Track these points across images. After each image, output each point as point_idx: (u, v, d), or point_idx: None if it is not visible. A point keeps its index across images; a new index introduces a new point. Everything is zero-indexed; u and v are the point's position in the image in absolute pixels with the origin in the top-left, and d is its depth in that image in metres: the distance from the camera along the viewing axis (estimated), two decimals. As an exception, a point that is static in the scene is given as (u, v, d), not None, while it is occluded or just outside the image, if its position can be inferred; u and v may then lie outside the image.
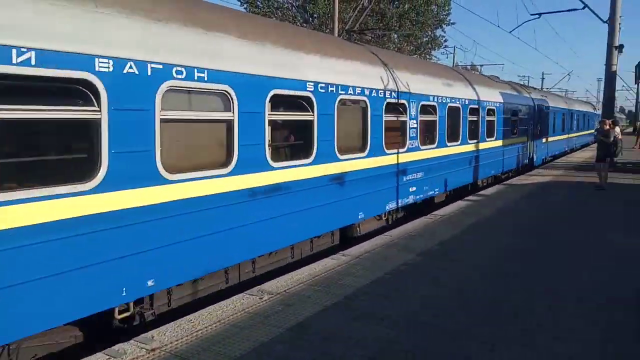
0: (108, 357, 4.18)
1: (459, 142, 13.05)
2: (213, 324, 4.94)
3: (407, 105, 10.21)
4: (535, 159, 21.03)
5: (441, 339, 4.63)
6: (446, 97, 12.11)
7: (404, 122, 10.20)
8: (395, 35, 32.96)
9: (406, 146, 10.25)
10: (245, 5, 30.09)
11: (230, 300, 5.60)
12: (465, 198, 13.03)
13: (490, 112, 15.38)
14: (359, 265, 6.95)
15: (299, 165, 7.21)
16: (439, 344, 4.51)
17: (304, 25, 28.47)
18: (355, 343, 4.54)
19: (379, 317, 5.15)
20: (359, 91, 8.58)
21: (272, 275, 7.15)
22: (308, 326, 4.92)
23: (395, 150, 9.82)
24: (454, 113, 12.64)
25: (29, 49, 3.97)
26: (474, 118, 14.20)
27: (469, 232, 9.06)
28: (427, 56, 35.04)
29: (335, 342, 4.55)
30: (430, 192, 11.65)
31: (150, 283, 5.07)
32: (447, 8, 35.09)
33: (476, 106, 14.26)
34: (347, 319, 5.11)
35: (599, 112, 43.25)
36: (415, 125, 10.54)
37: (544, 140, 22.60)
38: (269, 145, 6.56)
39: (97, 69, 4.48)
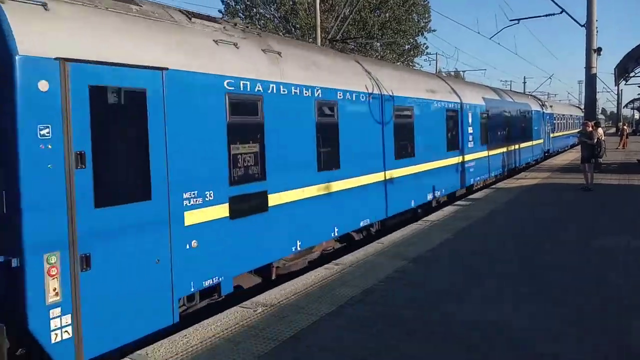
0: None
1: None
2: (208, 339, 4.86)
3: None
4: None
5: (438, 345, 4.62)
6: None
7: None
8: (378, 44, 33.23)
9: None
10: (226, 18, 30.15)
11: (224, 314, 5.53)
12: (455, 203, 13.09)
13: None
14: (352, 274, 6.92)
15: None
16: (438, 353, 4.49)
17: (287, 35, 28.57)
18: (350, 353, 4.49)
19: (373, 326, 5.12)
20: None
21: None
22: (303, 338, 4.86)
23: None
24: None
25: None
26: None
27: (460, 236, 9.08)
28: (410, 63, 35.35)
29: (331, 353, 4.50)
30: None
31: None
32: (427, 16, 35.51)
33: None
34: (342, 329, 5.07)
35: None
36: None
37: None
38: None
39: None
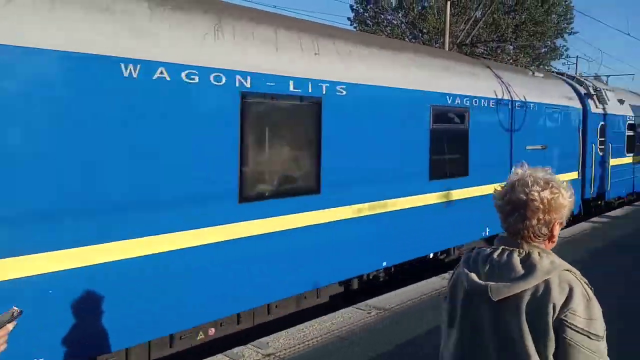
0: (228, 358, 4.47)
1: None
2: (323, 335, 5.07)
3: None
4: None
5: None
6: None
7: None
8: (511, 47, 31.58)
9: None
10: (355, 25, 30.73)
11: (339, 313, 5.71)
12: (590, 220, 12.03)
13: None
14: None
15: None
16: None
17: (413, 41, 28.34)
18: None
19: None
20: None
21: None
22: (418, 345, 4.86)
23: None
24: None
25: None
26: None
27: (594, 258, 8.35)
28: (546, 67, 33.08)
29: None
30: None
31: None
32: (568, 17, 32.95)
33: None
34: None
35: None
36: None
37: None
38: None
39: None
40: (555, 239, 1.86)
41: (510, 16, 31.56)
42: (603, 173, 13.29)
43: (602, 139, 13.35)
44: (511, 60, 30.01)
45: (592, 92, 13.19)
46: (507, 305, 1.72)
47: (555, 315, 1.66)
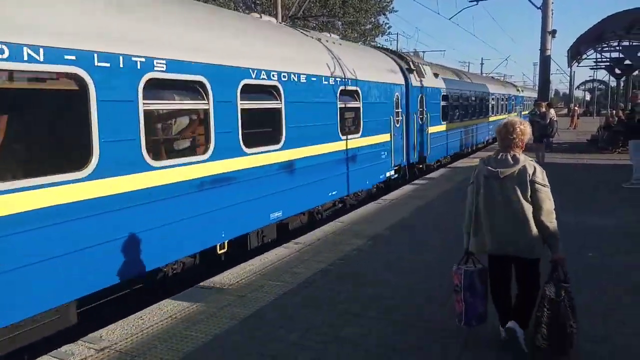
0: (55, 359, 4.00)
1: None
2: (164, 320, 4.82)
3: None
4: None
5: (392, 329, 4.74)
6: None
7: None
8: (340, 23, 33.02)
9: None
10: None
11: (181, 295, 5.49)
12: (413, 182, 13.33)
13: None
14: (311, 253, 6.97)
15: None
16: (390, 337, 4.61)
17: (246, 11, 27.95)
18: (310, 330, 4.56)
19: (332, 304, 5.19)
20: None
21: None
22: (262, 316, 4.89)
23: None
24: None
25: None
26: None
27: (416, 215, 9.28)
28: (372, 43, 35.34)
29: (290, 331, 4.55)
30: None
31: None
32: (389, -5, 35.45)
33: None
34: (301, 307, 5.12)
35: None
36: None
37: None
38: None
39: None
40: (524, 147, 4.01)
41: (338, -9, 32.70)
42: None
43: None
44: (341, 35, 31.37)
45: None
46: (507, 179, 3.87)
47: (530, 178, 3.82)
